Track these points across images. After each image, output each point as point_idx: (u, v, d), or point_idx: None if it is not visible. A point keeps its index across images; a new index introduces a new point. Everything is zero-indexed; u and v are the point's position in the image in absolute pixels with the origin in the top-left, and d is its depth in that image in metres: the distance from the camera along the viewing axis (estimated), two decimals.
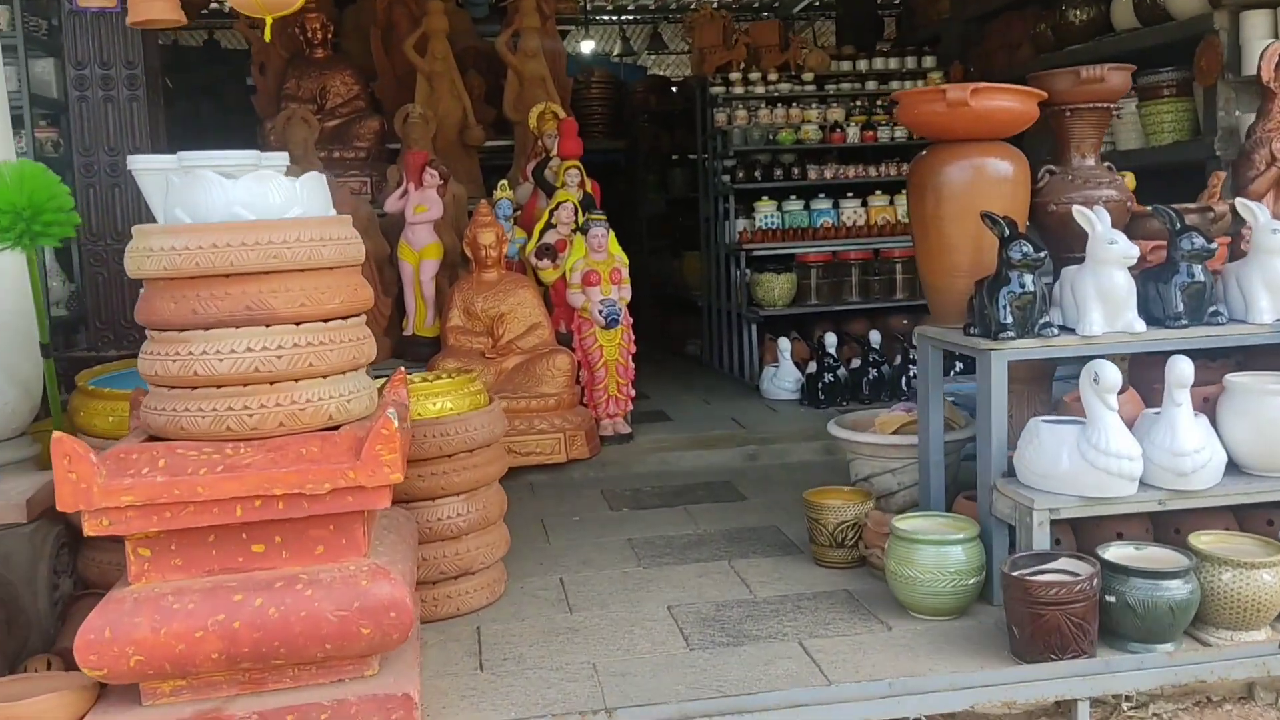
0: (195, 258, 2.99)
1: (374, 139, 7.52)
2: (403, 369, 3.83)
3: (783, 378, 7.54)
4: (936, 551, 3.75)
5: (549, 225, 6.56)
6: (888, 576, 3.84)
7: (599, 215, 6.29)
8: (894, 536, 3.84)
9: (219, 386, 3.01)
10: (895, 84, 8.76)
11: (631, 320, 6.42)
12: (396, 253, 6.42)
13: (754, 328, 8.00)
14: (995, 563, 3.79)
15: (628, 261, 6.43)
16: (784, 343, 7.59)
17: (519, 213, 6.72)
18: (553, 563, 4.59)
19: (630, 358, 6.40)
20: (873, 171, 8.49)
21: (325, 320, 3.14)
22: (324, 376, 3.12)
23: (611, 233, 6.37)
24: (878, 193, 8.40)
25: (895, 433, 4.60)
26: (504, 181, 6.73)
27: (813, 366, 7.54)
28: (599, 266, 6.25)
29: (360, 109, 7.66)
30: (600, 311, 6.19)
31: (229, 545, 3.06)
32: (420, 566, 3.95)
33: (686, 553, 4.64)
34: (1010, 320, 3.81)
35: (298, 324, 3.07)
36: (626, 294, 6.39)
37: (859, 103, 8.67)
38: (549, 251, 6.46)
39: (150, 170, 3.97)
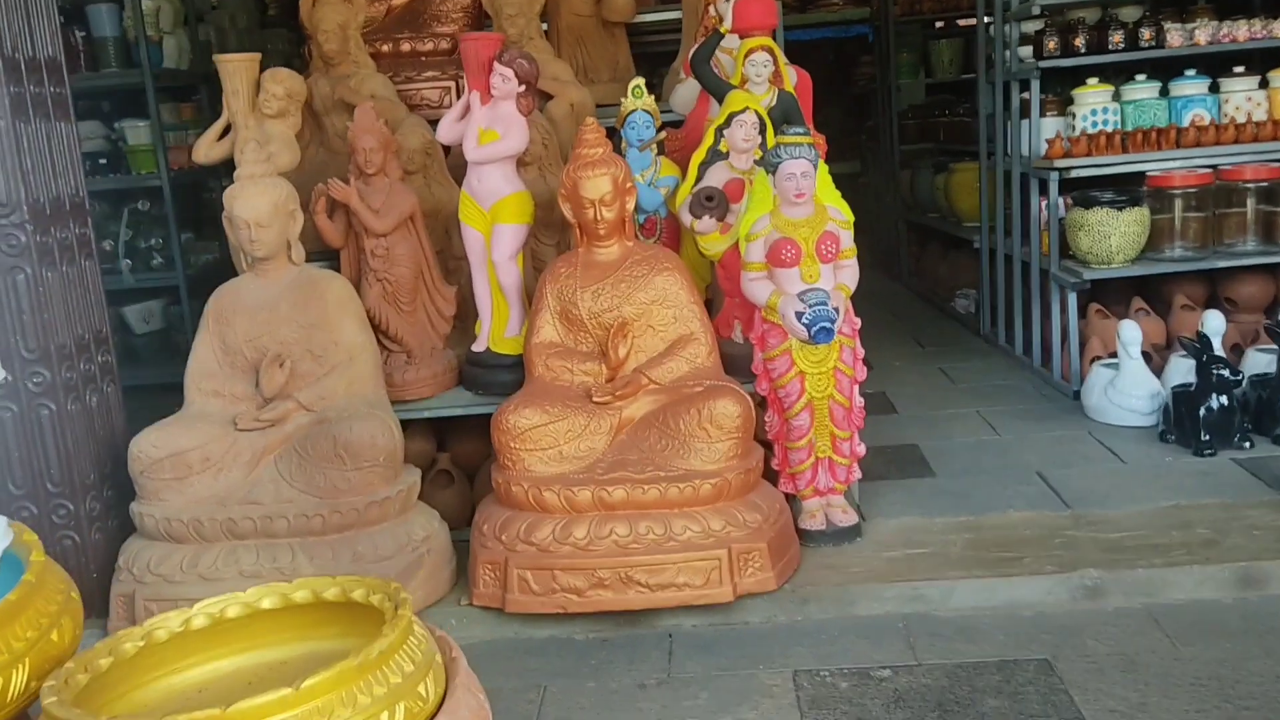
0: None
1: (464, 19, 4.88)
2: None
3: (1127, 389, 4.48)
4: None
5: (714, 154, 3.76)
6: None
7: (799, 135, 3.43)
8: None
9: None
10: None
11: (859, 324, 3.58)
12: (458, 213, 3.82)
13: (1073, 297, 4.91)
14: None
15: (852, 219, 3.56)
16: (1129, 331, 4.49)
17: (664, 134, 3.92)
18: None
19: (855, 390, 3.58)
20: (1278, 30, 5.07)
21: None
22: None
23: (824, 168, 3.52)
24: None
25: None
26: (637, 82, 3.92)
27: (1175, 368, 4.45)
28: (798, 230, 3.43)
29: None
30: (800, 314, 3.39)
31: None
32: None
33: None
34: None
35: None
36: (851, 278, 3.54)
37: None
38: (713, 202, 3.67)
39: None
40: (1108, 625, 3.10)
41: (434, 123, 4.24)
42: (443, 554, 3.45)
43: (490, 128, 3.67)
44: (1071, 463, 4.15)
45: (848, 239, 3.53)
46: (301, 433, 3.41)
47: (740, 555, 3.22)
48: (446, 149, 4.17)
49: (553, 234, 4.12)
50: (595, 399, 3.40)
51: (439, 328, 3.92)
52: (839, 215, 3.51)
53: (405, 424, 3.82)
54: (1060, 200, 5.03)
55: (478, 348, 3.85)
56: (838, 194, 3.56)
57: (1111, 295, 5.15)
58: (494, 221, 3.71)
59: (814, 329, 3.36)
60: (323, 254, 3.92)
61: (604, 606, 3.21)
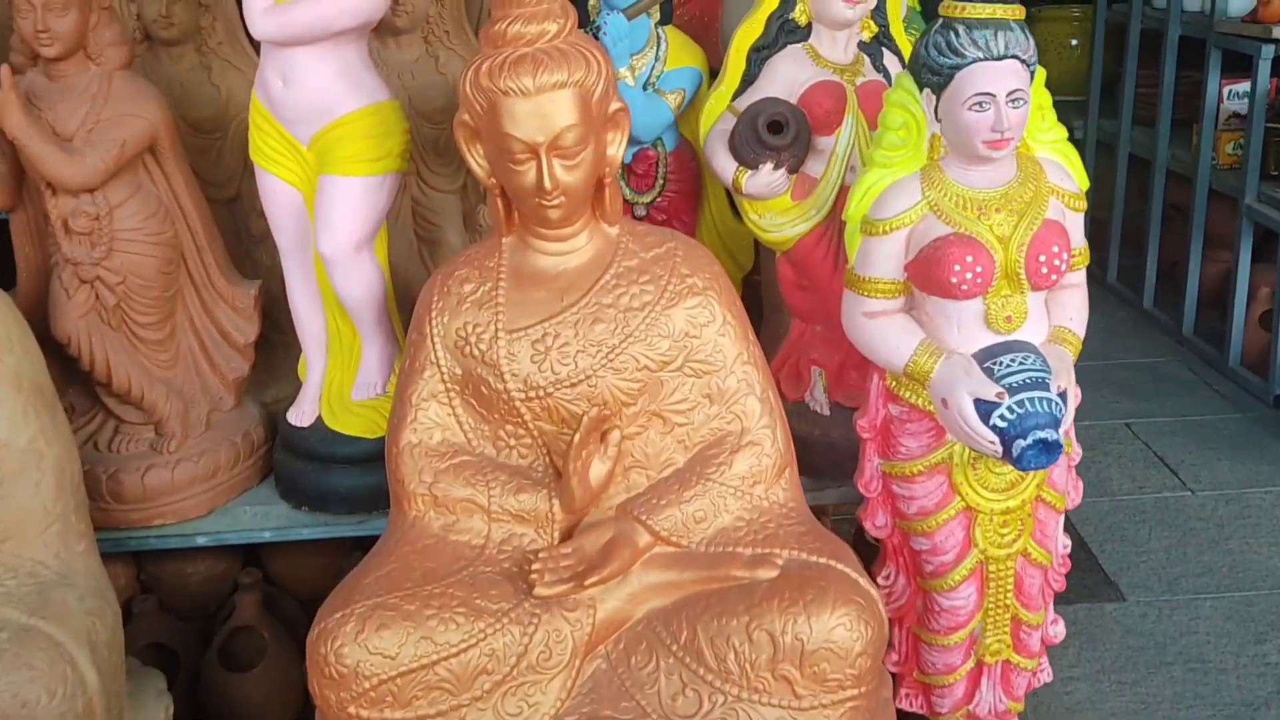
0: None
1: None
2: None
3: None
4: None
5: (779, 29, 1.82)
6: None
7: None
8: None
9: None
10: None
11: (1079, 398, 1.76)
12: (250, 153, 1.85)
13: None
14: None
15: (1086, 186, 1.68)
16: None
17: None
18: None
19: (1060, 529, 1.80)
20: None
21: None
22: None
23: (1040, 76, 1.62)
24: None
25: None
26: None
27: None
28: (986, 219, 1.56)
29: None
30: (989, 409, 1.54)
31: None
32: None
33: None
34: None
35: None
36: (1080, 314, 1.69)
37: None
38: (783, 135, 1.76)
39: None
40: None
41: None
42: None
43: None
44: None
45: (1079, 233, 1.66)
46: None
47: None
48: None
49: (454, 170, 2.16)
50: (539, 589, 1.55)
51: (226, 368, 1.99)
52: (1066, 182, 1.64)
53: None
54: (1269, 86, 3.19)
55: (299, 420, 1.92)
56: (1062, 131, 1.67)
57: None
58: (320, 170, 1.75)
59: (1023, 444, 1.53)
60: None
61: None
